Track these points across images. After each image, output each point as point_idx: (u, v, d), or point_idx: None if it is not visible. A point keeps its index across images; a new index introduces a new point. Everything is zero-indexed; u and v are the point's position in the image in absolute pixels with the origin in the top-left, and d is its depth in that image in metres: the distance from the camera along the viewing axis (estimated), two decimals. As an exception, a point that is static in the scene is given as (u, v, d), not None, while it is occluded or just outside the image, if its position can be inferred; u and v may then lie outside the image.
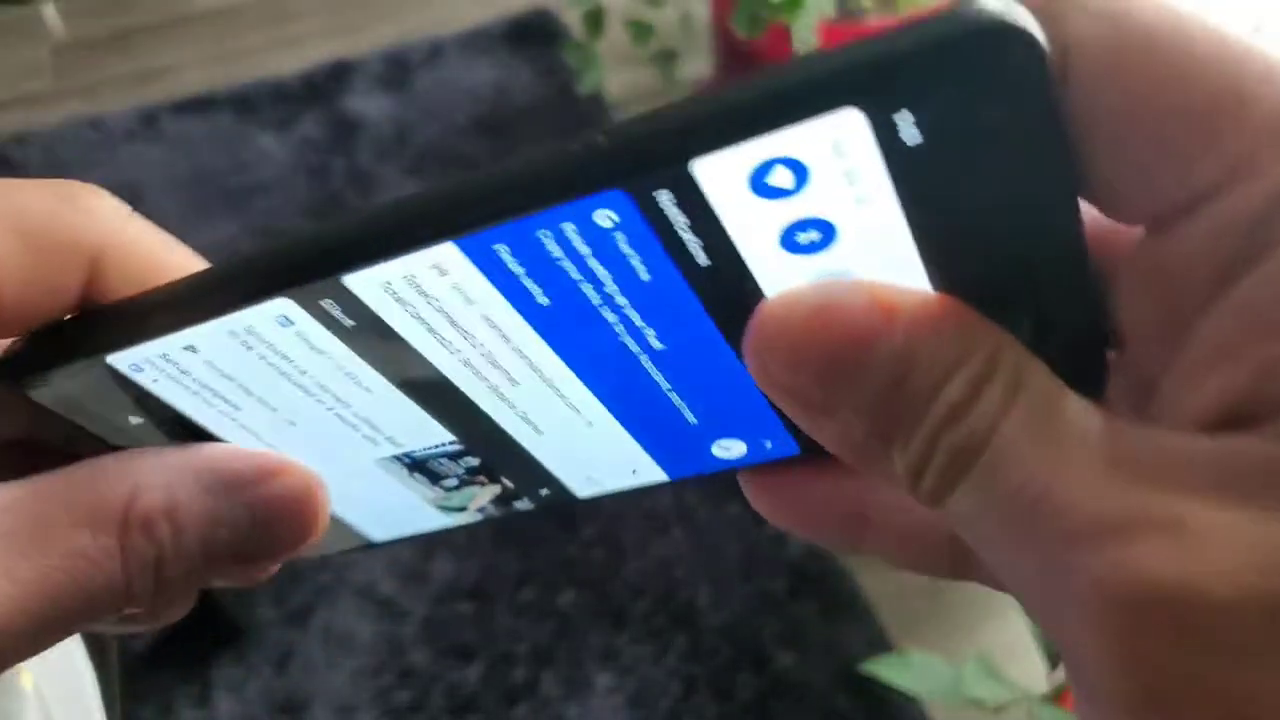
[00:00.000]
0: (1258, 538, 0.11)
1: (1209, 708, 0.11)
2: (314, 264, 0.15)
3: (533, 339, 0.15)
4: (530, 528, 0.85)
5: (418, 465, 0.19)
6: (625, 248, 0.13)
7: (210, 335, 0.16)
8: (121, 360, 0.16)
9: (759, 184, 0.12)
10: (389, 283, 0.14)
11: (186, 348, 0.16)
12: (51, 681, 0.32)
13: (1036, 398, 0.12)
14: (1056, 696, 0.55)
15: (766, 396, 0.14)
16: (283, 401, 0.17)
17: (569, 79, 1.17)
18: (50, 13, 1.29)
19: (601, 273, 0.14)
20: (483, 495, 0.20)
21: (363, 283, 0.15)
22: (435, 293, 0.15)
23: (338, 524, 0.20)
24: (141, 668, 0.78)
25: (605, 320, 0.15)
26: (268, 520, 0.17)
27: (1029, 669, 0.62)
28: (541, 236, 0.13)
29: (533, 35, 1.24)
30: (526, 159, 0.13)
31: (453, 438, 0.18)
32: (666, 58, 1.01)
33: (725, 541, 0.83)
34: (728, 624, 0.80)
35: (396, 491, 0.20)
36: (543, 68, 1.21)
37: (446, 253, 0.14)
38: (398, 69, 1.21)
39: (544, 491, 0.20)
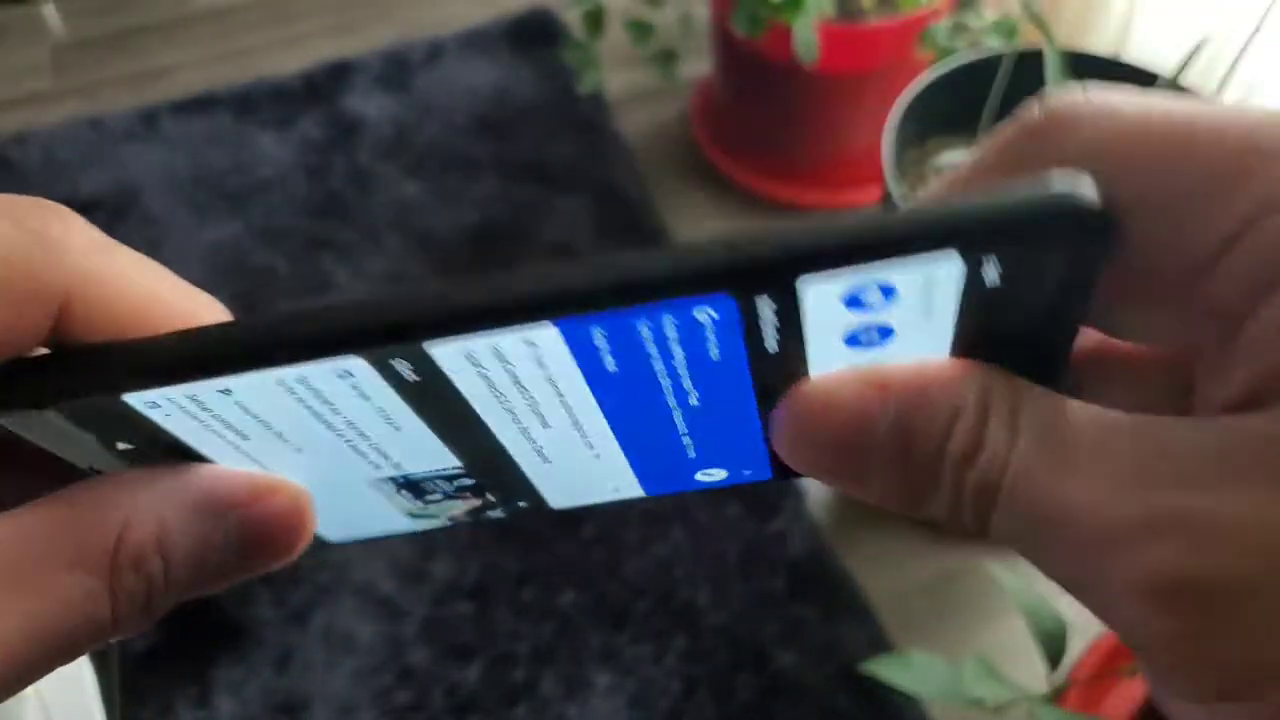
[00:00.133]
0: (1257, 523, 0.12)
1: (1252, 683, 0.12)
2: (404, 331, 0.14)
3: (586, 397, 0.16)
4: (530, 528, 0.85)
5: (410, 485, 0.19)
6: (710, 336, 0.14)
7: (254, 382, 0.15)
8: (139, 397, 0.15)
9: (851, 299, 0.14)
10: (473, 352, 0.14)
11: (222, 390, 0.15)
12: (51, 681, 0.32)
13: (1036, 423, 0.14)
14: (1056, 696, 0.55)
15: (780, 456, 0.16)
16: (300, 434, 0.17)
17: (569, 79, 1.17)
18: (50, 13, 1.29)
19: (679, 354, 0.15)
20: (461, 508, 0.20)
21: (447, 350, 0.14)
22: (514, 360, 0.15)
23: None
24: (141, 668, 0.78)
25: (661, 385, 0.16)
26: (258, 540, 0.17)
27: (1029, 669, 0.62)
28: (639, 325, 0.14)
29: (533, 35, 1.24)
30: (644, 255, 0.14)
31: (459, 464, 0.18)
32: (666, 58, 1.01)
33: (725, 541, 0.83)
34: (728, 624, 0.80)
35: (375, 502, 0.20)
36: (543, 68, 1.21)
37: (543, 330, 0.14)
38: (398, 69, 1.21)
39: (521, 504, 0.20)
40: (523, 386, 0.15)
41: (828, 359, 0.15)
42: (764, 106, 1.02)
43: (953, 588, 0.82)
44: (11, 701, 0.30)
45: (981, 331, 0.15)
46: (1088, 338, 0.16)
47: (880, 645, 0.78)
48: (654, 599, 0.81)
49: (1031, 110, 0.14)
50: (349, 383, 0.15)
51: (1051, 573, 0.14)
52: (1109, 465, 0.13)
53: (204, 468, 0.17)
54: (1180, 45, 0.71)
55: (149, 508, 0.16)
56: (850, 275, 0.13)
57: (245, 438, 0.16)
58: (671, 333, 0.14)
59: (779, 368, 0.15)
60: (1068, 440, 0.13)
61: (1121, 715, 0.69)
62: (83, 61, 1.26)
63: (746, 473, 0.19)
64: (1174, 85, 0.71)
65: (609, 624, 0.80)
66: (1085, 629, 0.69)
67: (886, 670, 0.59)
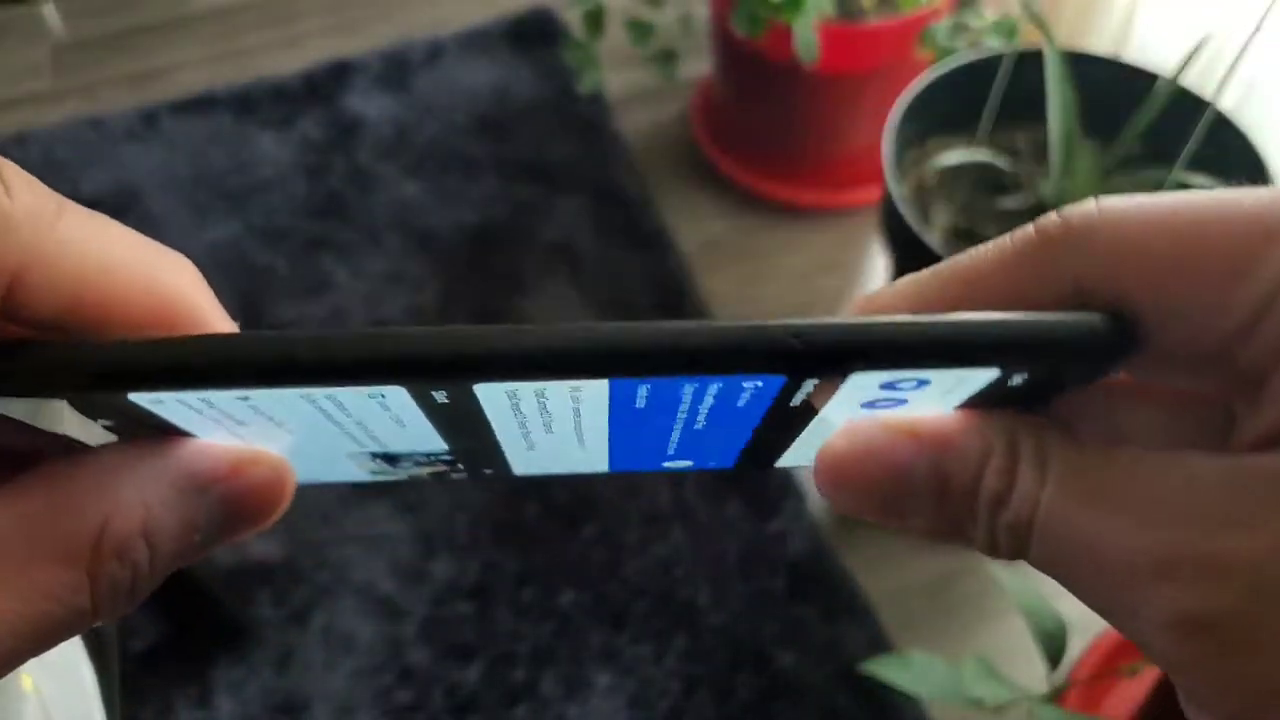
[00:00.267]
0: (1268, 563, 0.13)
1: (1268, 707, 0.13)
2: (466, 374, 0.14)
3: (602, 419, 0.16)
4: (530, 528, 0.85)
5: (388, 457, 0.19)
6: (746, 396, 0.15)
7: (279, 394, 0.14)
8: (145, 395, 0.14)
9: (889, 384, 0.15)
10: (517, 390, 0.14)
11: (241, 398, 0.15)
12: (51, 681, 0.32)
13: (1064, 464, 0.15)
14: (1056, 696, 0.55)
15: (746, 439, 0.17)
16: (298, 423, 0.16)
17: (569, 79, 1.17)
18: (50, 13, 1.29)
19: (708, 401, 0.15)
20: (426, 471, 0.20)
21: (491, 389, 0.14)
22: (551, 396, 0.15)
23: None
24: (141, 668, 0.78)
25: (676, 416, 0.16)
26: (240, 513, 0.17)
27: (1029, 669, 0.62)
28: (686, 384, 0.14)
29: (533, 35, 1.24)
30: (711, 331, 0.14)
31: (448, 448, 0.18)
32: (666, 58, 1.01)
33: (725, 541, 0.83)
34: (728, 624, 0.80)
35: (344, 464, 0.19)
36: (543, 68, 1.21)
37: (596, 382, 0.14)
38: (398, 69, 1.21)
39: (487, 471, 0.20)
40: (547, 412, 0.16)
41: (842, 410, 0.16)
42: (764, 106, 1.02)
43: (953, 588, 0.82)
44: (11, 702, 0.30)
45: (989, 400, 0.16)
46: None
47: (880, 645, 0.78)
48: (654, 599, 0.81)
49: (1050, 219, 0.15)
50: (378, 401, 0.15)
51: (1085, 601, 0.15)
52: (1132, 504, 0.14)
53: (185, 444, 0.16)
54: (1180, 45, 0.71)
55: (133, 494, 0.15)
56: (899, 371, 0.14)
57: (242, 424, 0.16)
58: (712, 390, 0.15)
59: (793, 413, 0.16)
60: (1094, 480, 0.14)
61: (1121, 715, 0.69)
62: (83, 61, 1.26)
63: (711, 464, 0.20)
64: (1174, 85, 0.71)
65: (609, 624, 0.80)
66: (1085, 629, 0.69)
67: (886, 670, 0.59)
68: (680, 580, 0.82)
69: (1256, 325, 0.14)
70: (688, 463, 0.20)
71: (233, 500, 0.17)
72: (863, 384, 0.15)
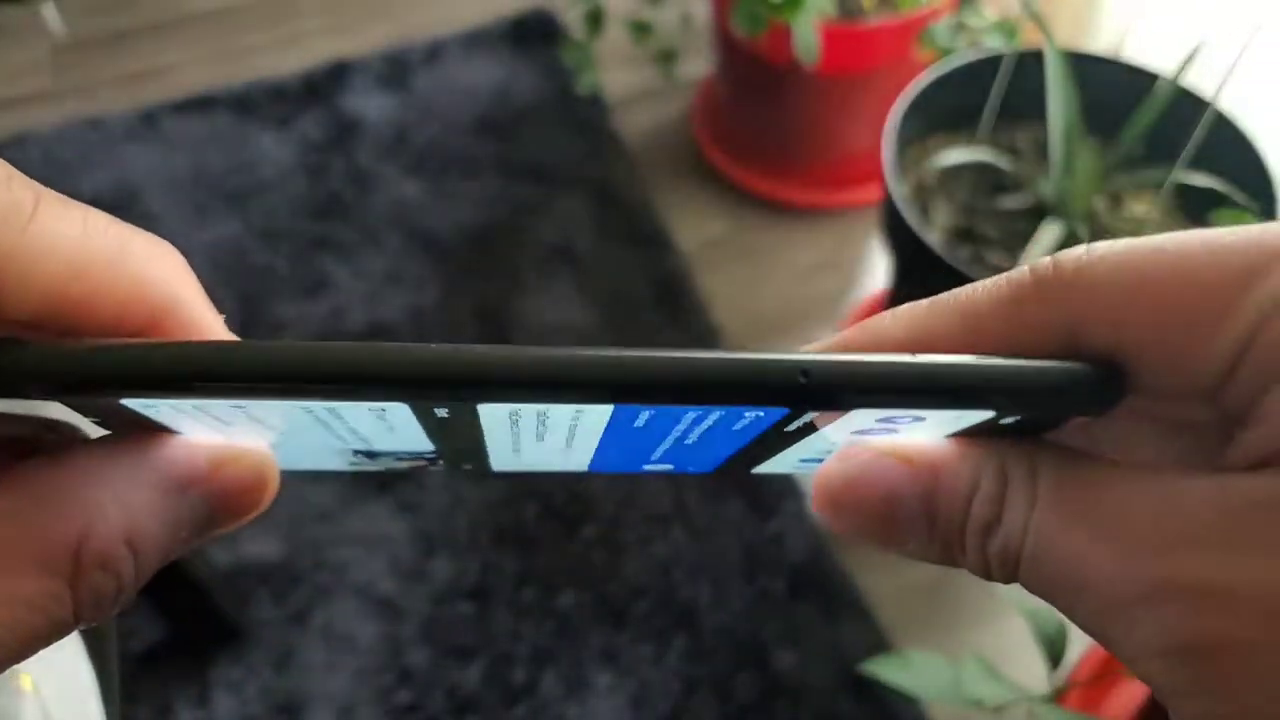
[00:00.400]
0: (1258, 589, 0.13)
1: None
2: (472, 394, 0.14)
3: (597, 434, 0.16)
4: (530, 528, 0.85)
5: (371, 454, 0.19)
6: (745, 422, 0.15)
7: (278, 404, 0.14)
8: (137, 400, 0.14)
9: (886, 419, 0.15)
10: (519, 409, 0.14)
11: (236, 406, 0.14)
12: (51, 681, 0.32)
13: (1053, 489, 0.15)
14: (1056, 697, 0.55)
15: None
16: (289, 426, 0.16)
17: (569, 79, 1.17)
18: (50, 13, 1.29)
19: (707, 424, 0.15)
20: (406, 465, 0.20)
21: (495, 408, 0.14)
22: (553, 415, 0.15)
23: None
24: (140, 667, 0.78)
25: (671, 432, 0.16)
26: (223, 510, 0.17)
27: (1029, 669, 0.61)
28: (688, 410, 0.15)
29: (533, 35, 1.24)
30: (723, 364, 0.14)
31: (434, 450, 0.18)
32: (666, 58, 1.01)
33: (725, 541, 0.83)
34: (728, 624, 0.80)
35: (325, 459, 0.19)
36: (543, 68, 1.21)
37: (601, 405, 0.14)
38: (398, 69, 1.21)
39: (466, 467, 0.20)
40: (544, 425, 0.16)
41: (836, 433, 0.16)
42: (764, 106, 1.02)
43: (953, 588, 0.82)
44: (10, 700, 0.30)
45: (983, 432, 0.16)
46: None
47: (880, 645, 0.78)
48: (654, 599, 0.81)
49: (1043, 264, 0.15)
50: (377, 414, 0.15)
51: (1077, 624, 0.15)
52: (1122, 528, 0.14)
53: (167, 442, 0.16)
54: (1180, 45, 0.71)
55: (117, 500, 0.15)
56: (900, 410, 0.15)
57: (230, 425, 0.16)
58: (714, 415, 0.15)
59: (787, 436, 0.16)
60: (1083, 505, 0.15)
61: (1122, 716, 0.69)
62: (83, 61, 1.26)
63: (691, 469, 0.20)
64: (1174, 85, 0.71)
65: (609, 624, 0.80)
66: (1085, 629, 0.69)
67: (886, 670, 0.59)
68: (680, 580, 0.82)
69: (1241, 359, 0.14)
70: (668, 466, 0.20)
71: (215, 499, 0.17)
72: (861, 417, 0.15)
